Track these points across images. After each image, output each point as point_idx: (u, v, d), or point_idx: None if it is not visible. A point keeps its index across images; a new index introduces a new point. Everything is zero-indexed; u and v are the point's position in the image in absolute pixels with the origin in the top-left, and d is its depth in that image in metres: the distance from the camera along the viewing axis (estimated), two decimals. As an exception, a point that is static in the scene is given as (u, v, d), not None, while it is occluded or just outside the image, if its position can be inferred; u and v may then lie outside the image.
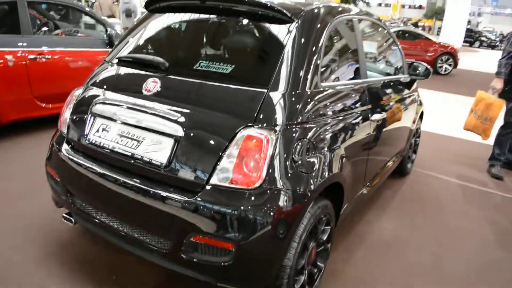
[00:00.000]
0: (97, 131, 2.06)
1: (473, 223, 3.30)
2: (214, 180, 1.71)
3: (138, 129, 1.92)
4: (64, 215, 2.31)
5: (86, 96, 2.23)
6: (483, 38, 33.36)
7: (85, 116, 2.14)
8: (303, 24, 2.01)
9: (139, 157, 1.87)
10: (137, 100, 1.98)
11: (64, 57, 4.63)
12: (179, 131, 1.80)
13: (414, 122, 3.82)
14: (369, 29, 2.90)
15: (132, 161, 1.88)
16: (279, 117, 1.80)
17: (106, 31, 5.09)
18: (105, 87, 2.19)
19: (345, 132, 2.22)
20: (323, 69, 2.11)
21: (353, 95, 2.39)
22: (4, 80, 4.10)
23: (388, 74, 3.19)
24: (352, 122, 2.31)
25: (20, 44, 4.21)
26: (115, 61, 2.33)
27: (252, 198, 1.68)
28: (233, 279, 1.78)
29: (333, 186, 2.09)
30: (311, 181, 1.85)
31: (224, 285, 1.80)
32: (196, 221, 1.70)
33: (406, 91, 3.45)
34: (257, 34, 2.12)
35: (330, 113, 2.11)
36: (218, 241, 1.69)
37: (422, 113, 4.16)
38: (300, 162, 1.82)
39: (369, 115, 2.54)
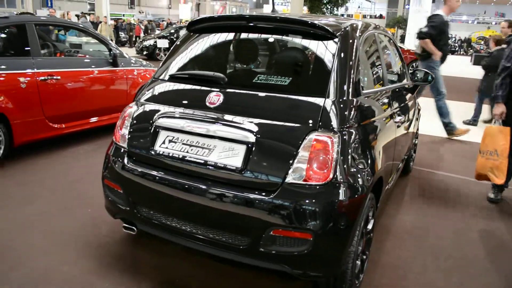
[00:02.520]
0: (163, 142, 2.23)
1: (478, 211, 3.65)
2: (289, 179, 1.94)
3: (208, 138, 2.11)
4: (125, 225, 2.44)
5: (144, 111, 2.40)
6: (442, 44, 34.99)
7: (148, 131, 2.30)
8: (343, 40, 2.28)
9: (213, 163, 2.06)
10: (203, 112, 2.18)
11: (73, 78, 4.73)
12: (251, 138, 2.02)
13: (415, 123, 4.18)
14: (383, 40, 3.22)
15: (206, 167, 2.07)
16: (336, 121, 2.04)
17: (110, 50, 5.22)
18: (164, 102, 2.36)
19: (381, 133, 2.50)
20: (362, 78, 2.38)
21: (384, 100, 2.68)
22: (17, 102, 4.16)
23: (397, 81, 3.52)
24: (385, 124, 2.60)
25: (30, 66, 4.28)
26: (167, 77, 2.51)
27: (325, 192, 1.92)
28: (308, 266, 1.99)
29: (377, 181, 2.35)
30: (368, 175, 2.11)
31: (298, 271, 2.00)
32: (276, 216, 1.91)
33: (411, 95, 3.79)
34: (304, 50, 2.37)
35: (370, 116, 2.37)
36: (298, 232, 1.90)
37: (419, 116, 4.53)
38: (358, 159, 2.07)
39: (394, 118, 2.83)
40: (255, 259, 2.02)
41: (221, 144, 2.08)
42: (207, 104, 2.19)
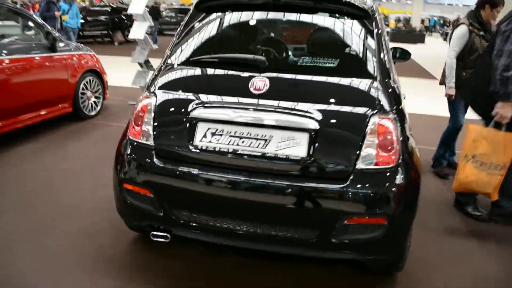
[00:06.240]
0: (204, 136, 1.98)
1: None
2: (360, 165, 1.86)
3: (261, 128, 1.92)
4: (154, 233, 2.14)
5: (169, 102, 2.11)
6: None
7: (182, 124, 2.02)
8: (375, 19, 2.22)
9: (272, 155, 1.89)
10: (249, 100, 1.97)
11: (10, 66, 4.03)
12: (313, 125, 1.88)
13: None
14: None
15: (264, 160, 1.90)
16: (390, 103, 1.99)
17: (48, 34, 4.53)
18: (194, 90, 2.08)
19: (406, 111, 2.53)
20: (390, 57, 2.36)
21: (398, 78, 2.71)
22: None
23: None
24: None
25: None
26: (187, 63, 2.22)
27: (395, 174, 1.88)
28: (379, 251, 1.95)
29: None
30: (418, 152, 2.13)
31: (370, 258, 1.96)
32: (350, 204, 1.83)
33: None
34: (343, 29, 2.24)
35: (402, 95, 2.38)
36: (373, 218, 1.85)
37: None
38: (409, 138, 2.07)
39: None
40: (325, 251, 1.93)
41: (278, 133, 1.91)
42: (252, 90, 1.99)
